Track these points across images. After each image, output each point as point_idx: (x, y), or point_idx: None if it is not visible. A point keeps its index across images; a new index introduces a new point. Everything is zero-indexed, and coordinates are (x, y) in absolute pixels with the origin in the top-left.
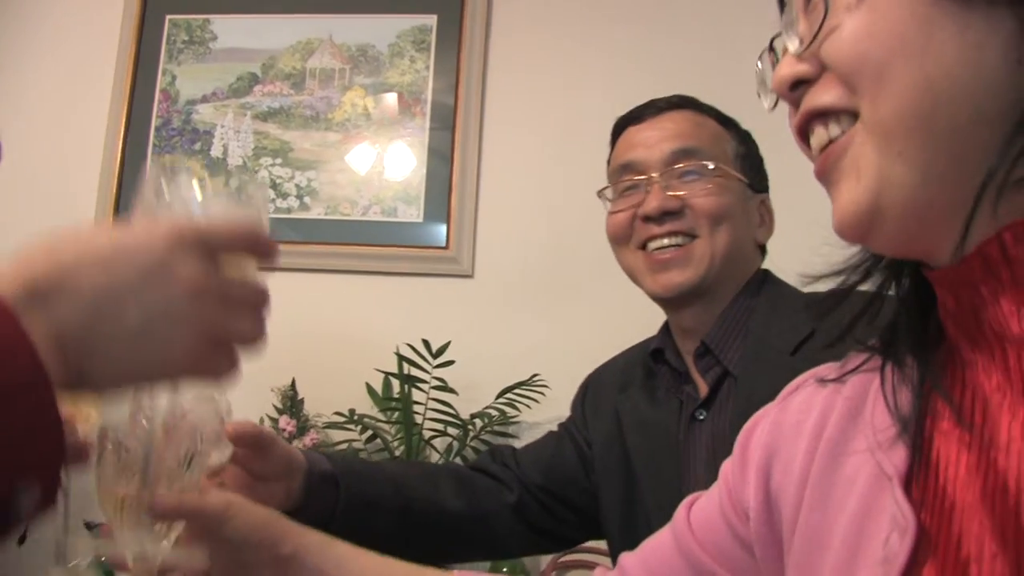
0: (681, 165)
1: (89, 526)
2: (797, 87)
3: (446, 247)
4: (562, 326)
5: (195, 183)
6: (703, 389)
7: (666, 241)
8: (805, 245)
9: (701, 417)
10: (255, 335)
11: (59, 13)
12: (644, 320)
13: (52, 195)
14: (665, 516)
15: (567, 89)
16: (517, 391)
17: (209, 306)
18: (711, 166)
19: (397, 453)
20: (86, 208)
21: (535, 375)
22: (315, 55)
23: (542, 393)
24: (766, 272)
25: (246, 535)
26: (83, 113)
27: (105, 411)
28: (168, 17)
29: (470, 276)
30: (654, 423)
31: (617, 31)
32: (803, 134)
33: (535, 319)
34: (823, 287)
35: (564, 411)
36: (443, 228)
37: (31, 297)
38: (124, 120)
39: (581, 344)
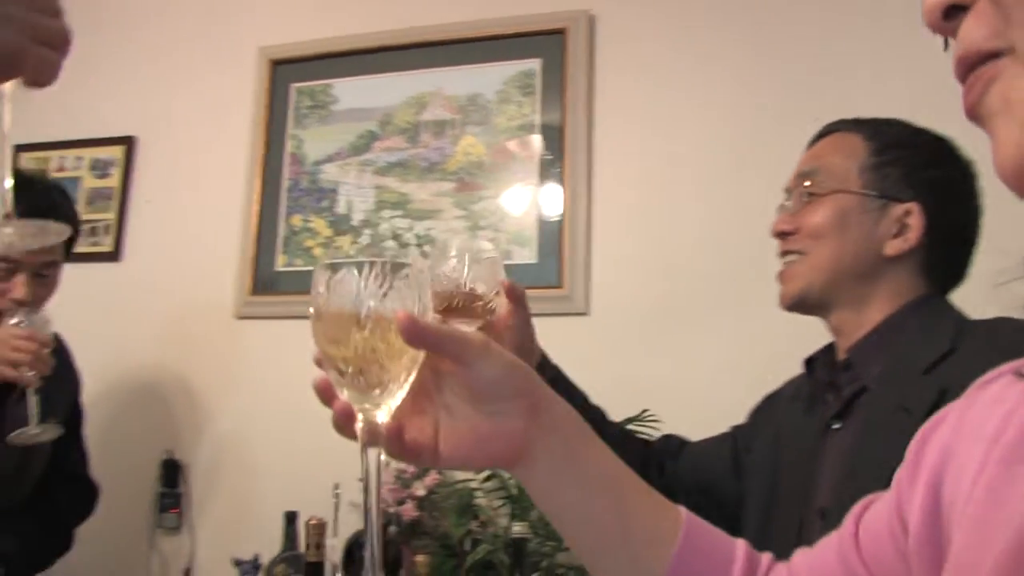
0: (802, 187)
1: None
2: (951, 16)
3: (560, 286)
4: (674, 359)
5: None
6: (841, 400)
7: (785, 259)
8: None
9: (836, 427)
10: (64, 34)
11: (197, 88)
12: (759, 350)
13: (197, 256)
14: (791, 523)
15: (674, 121)
16: (628, 427)
17: (22, 8)
18: (820, 186)
19: (513, 492)
20: (228, 265)
21: (645, 410)
22: (428, 108)
23: (655, 428)
24: (930, 295)
25: (502, 377)
26: (223, 180)
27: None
28: (293, 86)
29: (585, 314)
30: (801, 431)
31: (713, 63)
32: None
33: (649, 354)
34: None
35: None
36: (556, 267)
37: None
38: (259, 183)
39: (694, 377)
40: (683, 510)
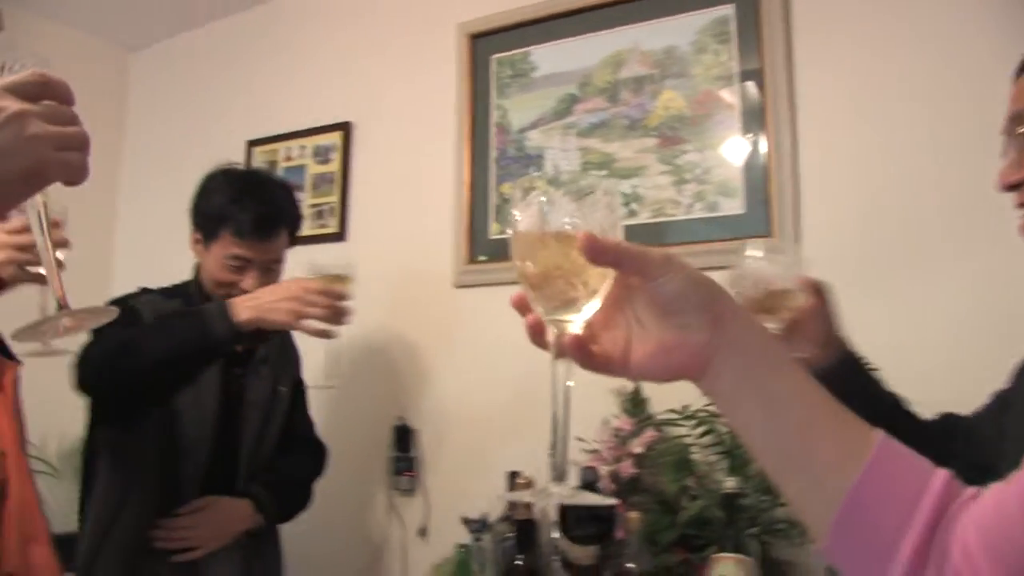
0: (1017, 132)
1: (466, 521)
2: None
3: (769, 235)
4: (896, 310)
5: None
6: None
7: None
8: None
9: None
10: (82, 138)
11: (402, 70)
12: (999, 299)
13: (415, 230)
14: None
15: (882, 53)
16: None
17: (33, 120)
18: None
19: (729, 446)
20: (444, 236)
21: None
22: (625, 66)
23: None
24: None
25: (683, 290)
26: (434, 155)
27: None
28: (493, 57)
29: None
30: None
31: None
32: None
33: (868, 304)
34: None
35: None
36: (765, 217)
37: None
38: (469, 155)
39: (920, 330)
40: (880, 433)
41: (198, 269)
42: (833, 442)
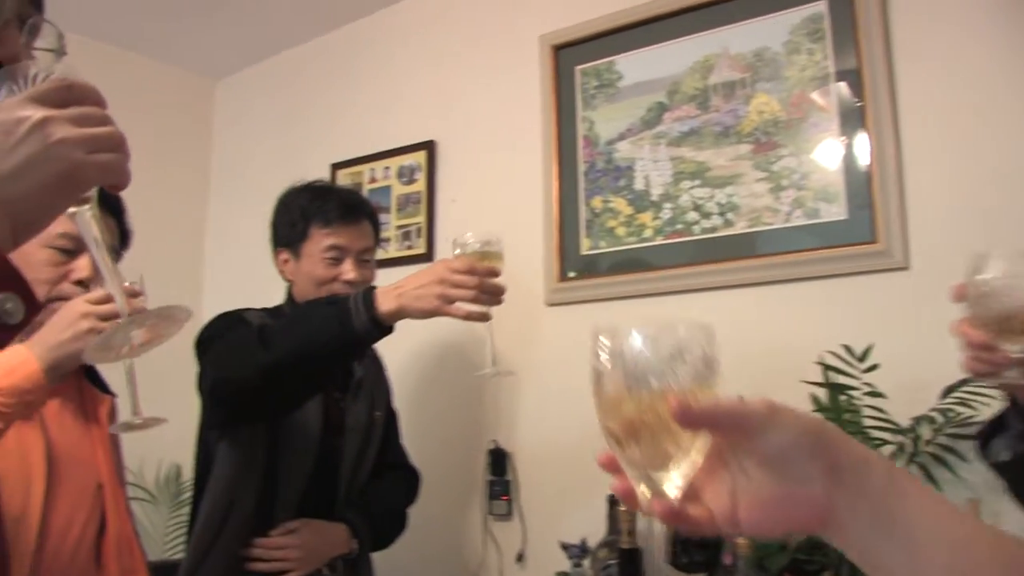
0: None
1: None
2: None
3: (874, 241)
4: None
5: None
6: None
7: None
8: None
9: None
10: (116, 137)
11: (485, 85)
12: None
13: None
14: None
15: (987, 44)
16: (970, 387)
17: (60, 125)
18: None
19: None
20: (535, 253)
21: (966, 379)
22: (715, 71)
23: (985, 402)
24: None
25: (792, 441)
26: (520, 171)
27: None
28: (578, 68)
29: (904, 268)
30: None
31: None
32: None
33: None
34: None
35: None
36: (868, 221)
37: None
38: (556, 170)
39: None
40: None
41: (290, 292)
42: None
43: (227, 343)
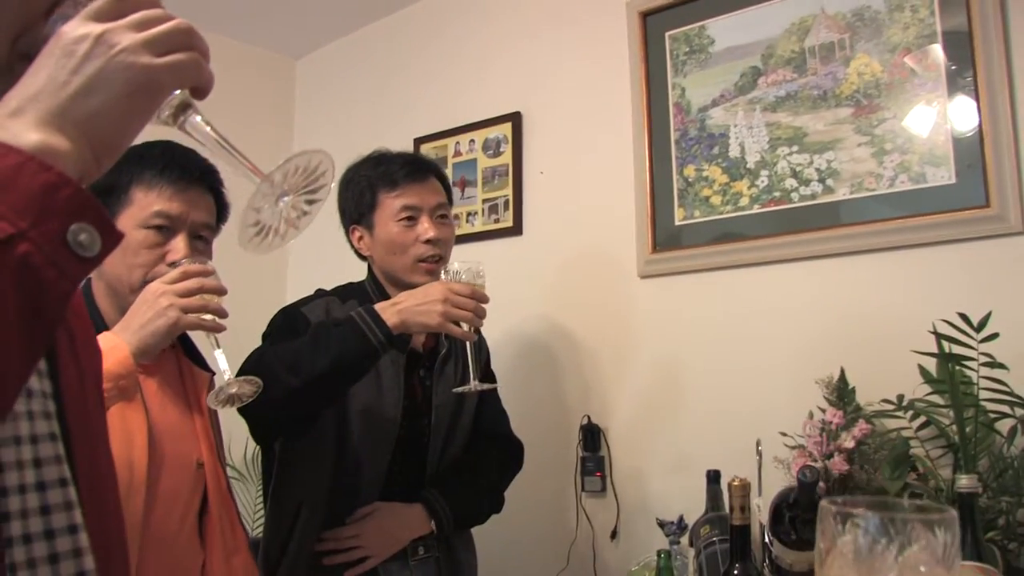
0: None
1: (661, 523)
2: None
3: (987, 205)
4: None
5: None
6: None
7: None
8: None
9: None
10: (183, 31)
11: (571, 54)
12: None
13: (595, 220)
14: None
15: None
16: None
17: (121, 34)
18: None
19: (954, 440)
20: (626, 224)
21: None
22: (811, 33)
23: None
24: None
25: None
26: (610, 140)
27: None
28: (667, 34)
29: (1021, 233)
30: None
31: None
32: None
33: None
34: None
35: None
36: (980, 185)
37: (5, 119)
38: (647, 139)
39: None
40: None
41: (371, 269)
42: None
43: (262, 359)
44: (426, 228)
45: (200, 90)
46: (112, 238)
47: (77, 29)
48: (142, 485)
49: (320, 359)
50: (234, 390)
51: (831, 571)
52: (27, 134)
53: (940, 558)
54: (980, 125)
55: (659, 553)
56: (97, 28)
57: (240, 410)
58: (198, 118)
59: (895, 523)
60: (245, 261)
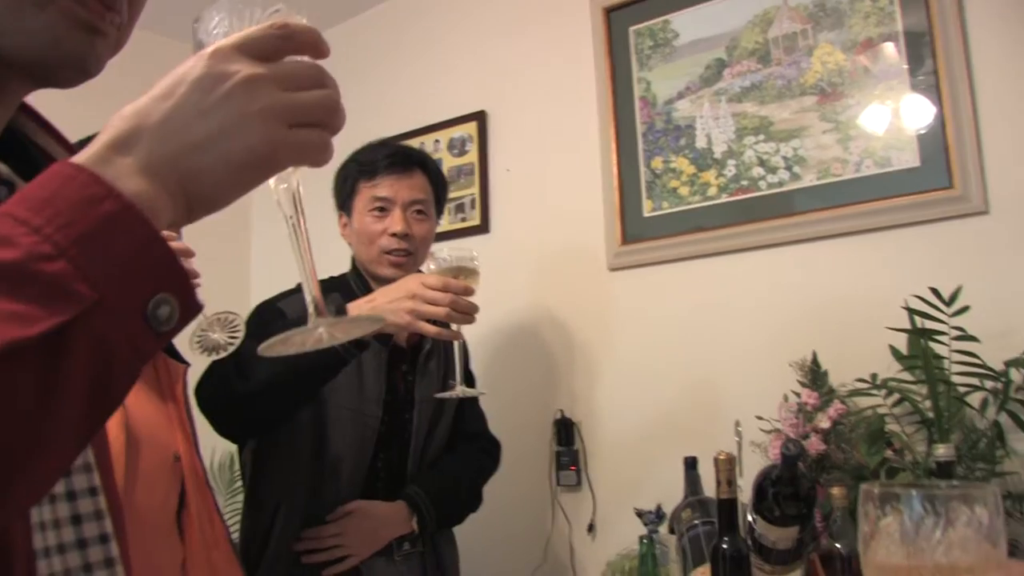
0: None
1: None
2: None
3: (950, 186)
4: None
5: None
6: None
7: None
8: None
9: None
10: (326, 107)
11: (536, 51)
12: None
13: (563, 215)
14: None
15: None
16: None
17: (264, 89)
18: None
19: (930, 415)
20: (595, 218)
21: None
22: (775, 24)
23: None
24: None
25: None
26: (576, 136)
27: None
28: (631, 29)
29: (984, 212)
30: None
31: None
32: None
33: None
34: None
35: None
36: (944, 168)
37: (112, 151)
38: (614, 132)
39: None
40: None
41: (353, 261)
42: None
43: (216, 367)
44: (394, 222)
45: (315, 165)
46: (191, 311)
47: (227, 62)
48: (120, 479)
49: (274, 364)
50: (215, 334)
51: (877, 554)
52: (132, 177)
53: (986, 534)
54: (941, 109)
55: (641, 539)
56: (245, 70)
57: (200, 408)
58: (293, 183)
59: (937, 501)
60: (206, 251)
